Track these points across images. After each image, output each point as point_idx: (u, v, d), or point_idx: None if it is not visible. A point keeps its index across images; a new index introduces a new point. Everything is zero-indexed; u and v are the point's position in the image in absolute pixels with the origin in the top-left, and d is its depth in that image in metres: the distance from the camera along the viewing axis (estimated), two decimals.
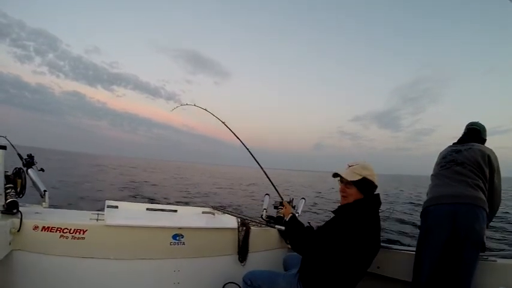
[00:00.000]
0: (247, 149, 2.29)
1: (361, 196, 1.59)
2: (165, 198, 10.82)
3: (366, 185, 1.59)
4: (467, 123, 2.14)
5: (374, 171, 1.63)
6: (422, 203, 2.02)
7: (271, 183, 2.13)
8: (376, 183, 1.62)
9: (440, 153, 2.13)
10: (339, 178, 1.68)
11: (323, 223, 1.74)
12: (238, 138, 2.35)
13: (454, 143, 2.13)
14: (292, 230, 1.71)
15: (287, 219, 1.77)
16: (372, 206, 1.61)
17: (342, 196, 1.65)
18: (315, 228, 1.81)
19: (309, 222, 1.82)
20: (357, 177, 1.57)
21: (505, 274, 1.60)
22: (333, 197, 14.92)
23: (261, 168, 2.22)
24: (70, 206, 7.10)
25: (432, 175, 2.05)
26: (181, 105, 2.79)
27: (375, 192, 1.64)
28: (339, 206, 1.67)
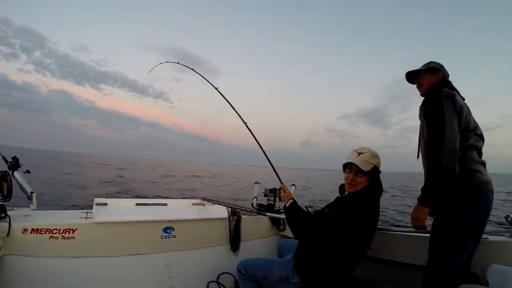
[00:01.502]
0: (241, 118, 2.14)
1: (368, 183, 1.56)
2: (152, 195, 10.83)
3: (375, 174, 1.57)
4: (438, 63, 1.72)
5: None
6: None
7: (270, 162, 2.02)
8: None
9: (467, 108, 1.59)
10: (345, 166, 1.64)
11: (323, 209, 1.72)
12: (231, 105, 2.20)
13: (456, 95, 1.59)
14: (293, 215, 1.65)
15: (287, 205, 1.71)
16: (377, 193, 1.59)
17: (350, 185, 1.58)
18: (312, 214, 1.78)
19: (306, 207, 1.75)
20: (369, 167, 1.53)
21: (498, 251, 1.62)
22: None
23: (257, 142, 2.11)
24: (58, 206, 7.03)
25: (472, 144, 1.58)
26: (161, 63, 2.70)
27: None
28: (346, 194, 1.63)
